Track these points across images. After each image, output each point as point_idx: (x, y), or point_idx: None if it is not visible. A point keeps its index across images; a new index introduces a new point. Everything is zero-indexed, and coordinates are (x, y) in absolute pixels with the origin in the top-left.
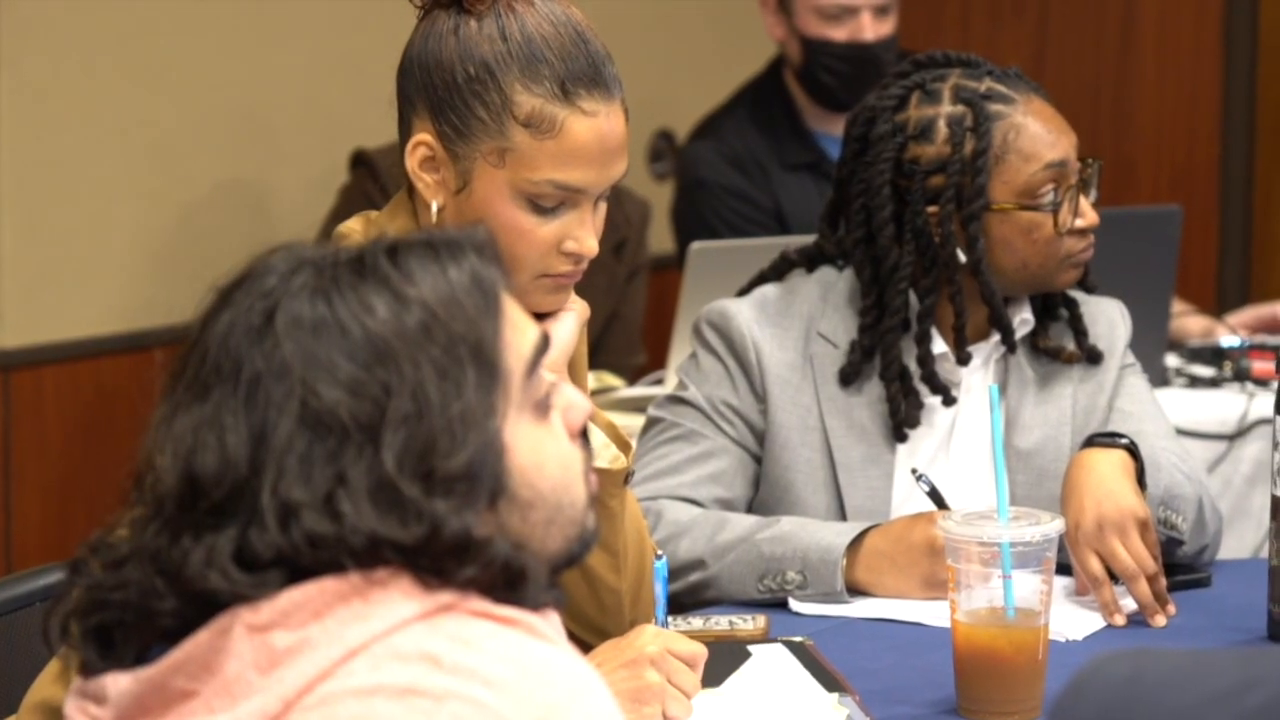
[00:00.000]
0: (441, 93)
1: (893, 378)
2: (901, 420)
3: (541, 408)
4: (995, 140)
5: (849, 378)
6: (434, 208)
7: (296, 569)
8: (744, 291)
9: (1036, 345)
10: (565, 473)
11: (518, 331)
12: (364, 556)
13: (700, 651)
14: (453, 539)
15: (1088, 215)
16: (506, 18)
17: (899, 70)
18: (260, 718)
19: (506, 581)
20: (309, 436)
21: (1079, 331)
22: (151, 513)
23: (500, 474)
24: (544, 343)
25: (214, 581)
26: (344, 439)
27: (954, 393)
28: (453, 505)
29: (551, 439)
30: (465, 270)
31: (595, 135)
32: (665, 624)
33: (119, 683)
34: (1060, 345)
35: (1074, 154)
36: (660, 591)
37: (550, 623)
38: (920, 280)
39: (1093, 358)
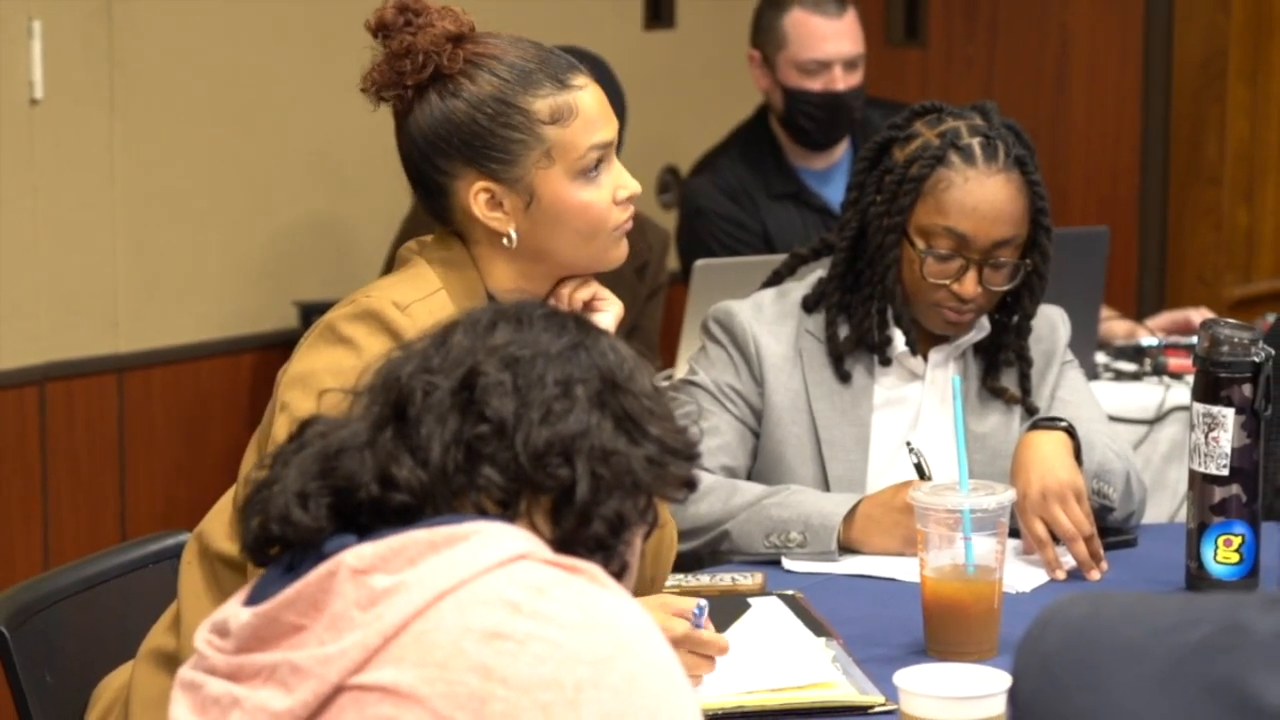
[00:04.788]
0: (474, 142)
1: (835, 311)
2: (839, 351)
3: None
4: (929, 179)
5: (810, 307)
6: (512, 236)
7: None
8: (765, 286)
9: (987, 369)
10: None
11: None
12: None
13: (724, 644)
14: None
15: (966, 286)
16: (486, 60)
17: (960, 108)
18: (362, 649)
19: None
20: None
21: (1025, 390)
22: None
23: None
24: None
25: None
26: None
27: (898, 352)
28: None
29: None
30: None
31: (595, 99)
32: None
33: (239, 617)
34: (1005, 388)
35: (992, 240)
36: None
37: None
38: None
39: (1031, 412)
